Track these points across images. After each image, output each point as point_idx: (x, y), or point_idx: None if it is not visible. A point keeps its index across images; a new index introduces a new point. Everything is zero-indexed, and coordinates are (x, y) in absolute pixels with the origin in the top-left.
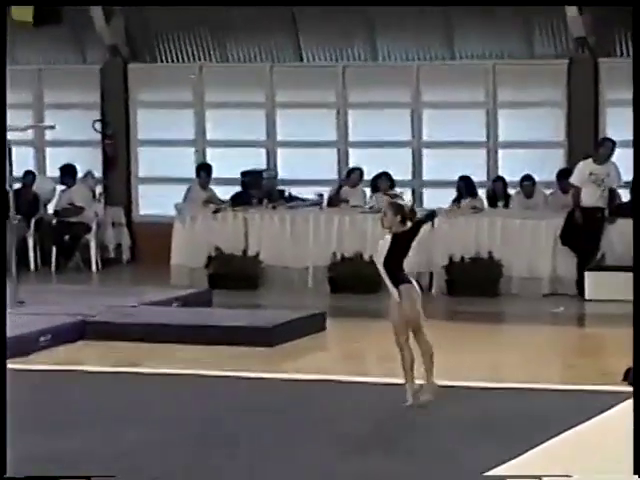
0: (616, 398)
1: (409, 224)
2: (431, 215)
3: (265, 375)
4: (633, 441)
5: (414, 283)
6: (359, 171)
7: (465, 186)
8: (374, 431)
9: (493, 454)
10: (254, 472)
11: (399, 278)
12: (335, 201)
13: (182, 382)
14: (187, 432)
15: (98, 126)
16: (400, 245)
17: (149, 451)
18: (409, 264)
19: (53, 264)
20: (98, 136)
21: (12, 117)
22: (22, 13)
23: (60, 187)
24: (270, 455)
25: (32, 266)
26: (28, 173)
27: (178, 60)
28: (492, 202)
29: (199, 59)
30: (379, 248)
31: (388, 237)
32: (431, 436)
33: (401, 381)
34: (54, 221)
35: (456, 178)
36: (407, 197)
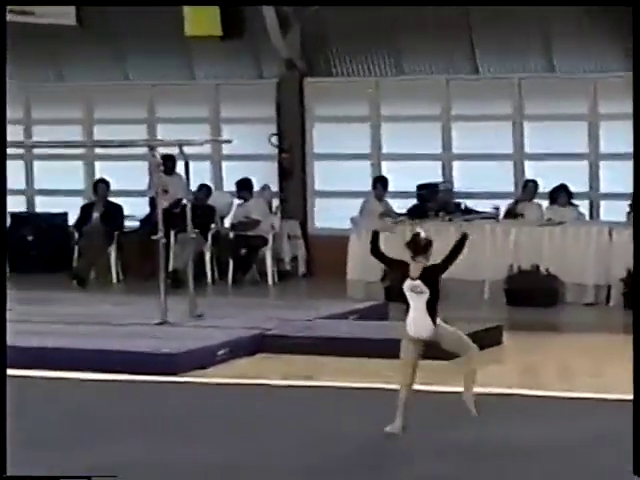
0: None
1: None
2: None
3: (441, 388)
4: (633, 441)
5: None
6: (533, 183)
7: None
8: (550, 443)
9: None
10: None
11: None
12: (512, 215)
13: (360, 395)
14: (364, 445)
15: (274, 140)
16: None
17: (318, 462)
18: (587, 276)
19: (230, 277)
20: (274, 150)
21: (190, 132)
22: (210, 28)
23: (237, 201)
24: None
25: (209, 279)
26: (202, 187)
27: (354, 74)
28: None
29: (375, 74)
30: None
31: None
32: (613, 449)
33: (580, 395)
34: (231, 234)
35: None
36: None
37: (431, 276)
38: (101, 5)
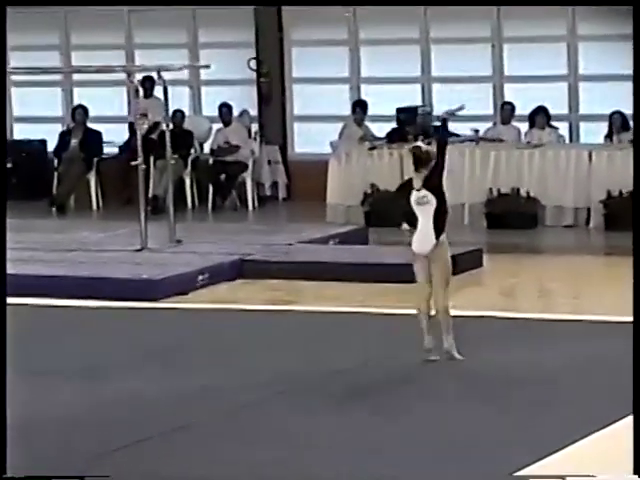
0: None
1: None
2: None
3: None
4: (633, 440)
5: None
6: (510, 106)
7: (619, 120)
8: (529, 365)
9: None
10: (411, 411)
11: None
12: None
13: (338, 319)
14: (340, 369)
15: (253, 64)
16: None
17: (299, 385)
18: (567, 198)
19: (210, 203)
20: (253, 75)
21: (167, 57)
22: None
23: (216, 126)
24: (425, 393)
25: (189, 205)
26: (177, 112)
27: None
28: None
29: None
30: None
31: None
32: (593, 371)
33: (559, 317)
34: (210, 160)
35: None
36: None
37: (433, 182)
38: (101, 5)
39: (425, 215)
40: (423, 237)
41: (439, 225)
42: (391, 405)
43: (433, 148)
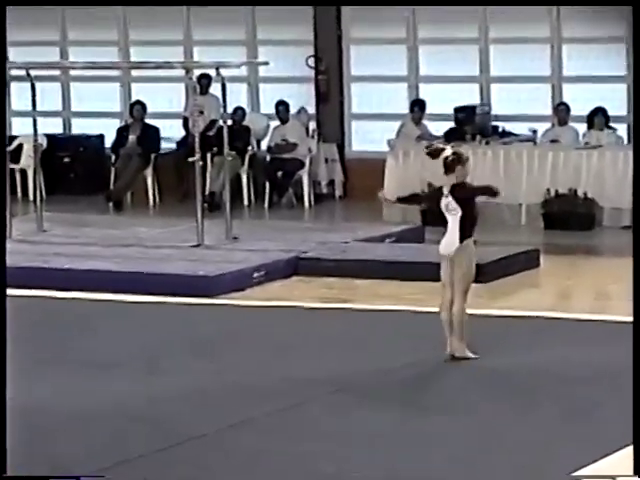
0: None
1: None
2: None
3: (477, 312)
4: (633, 441)
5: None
6: (565, 106)
7: None
8: (585, 367)
9: None
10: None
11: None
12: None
13: (393, 318)
14: (396, 368)
15: (311, 62)
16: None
17: (352, 383)
18: (625, 200)
19: (266, 200)
20: (311, 72)
21: (226, 54)
22: None
23: (273, 123)
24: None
25: (246, 202)
26: (238, 109)
27: None
28: None
29: None
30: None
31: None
32: None
33: (616, 318)
34: (267, 157)
35: None
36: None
37: (459, 194)
38: (102, 5)
39: (452, 220)
40: (448, 239)
41: (465, 230)
42: (443, 404)
43: (462, 150)
